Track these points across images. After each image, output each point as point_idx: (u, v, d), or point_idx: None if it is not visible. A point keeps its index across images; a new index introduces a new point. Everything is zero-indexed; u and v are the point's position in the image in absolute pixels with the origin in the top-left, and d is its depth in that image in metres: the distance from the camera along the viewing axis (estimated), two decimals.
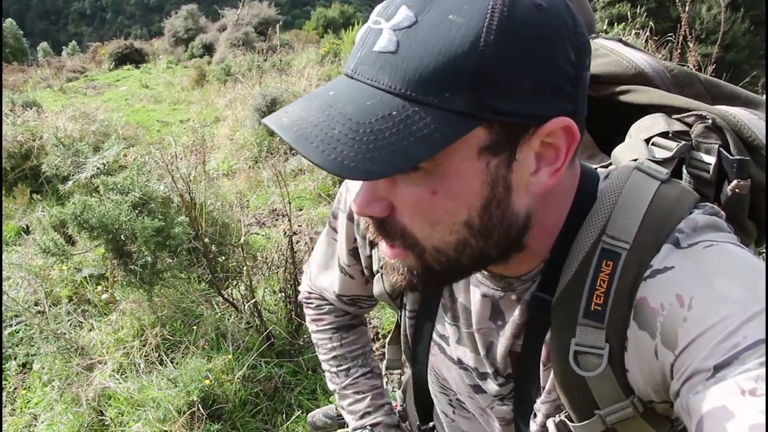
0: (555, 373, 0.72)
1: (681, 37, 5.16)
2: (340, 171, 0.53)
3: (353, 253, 1.03)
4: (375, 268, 0.98)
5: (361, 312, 1.20)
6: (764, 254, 2.63)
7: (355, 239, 1.01)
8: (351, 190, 0.99)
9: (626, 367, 0.66)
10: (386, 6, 0.59)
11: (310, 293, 1.20)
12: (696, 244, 0.63)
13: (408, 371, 1.07)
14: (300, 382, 2.82)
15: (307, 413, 2.58)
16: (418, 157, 0.54)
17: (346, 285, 1.09)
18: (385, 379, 1.19)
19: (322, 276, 1.13)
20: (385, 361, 1.12)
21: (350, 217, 0.99)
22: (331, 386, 1.23)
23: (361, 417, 1.17)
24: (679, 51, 5.43)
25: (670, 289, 0.61)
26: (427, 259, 0.65)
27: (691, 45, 5.09)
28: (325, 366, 1.23)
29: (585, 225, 0.68)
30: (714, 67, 5.16)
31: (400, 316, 0.98)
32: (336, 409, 1.34)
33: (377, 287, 0.98)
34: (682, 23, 4.89)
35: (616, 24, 6.87)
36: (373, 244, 0.97)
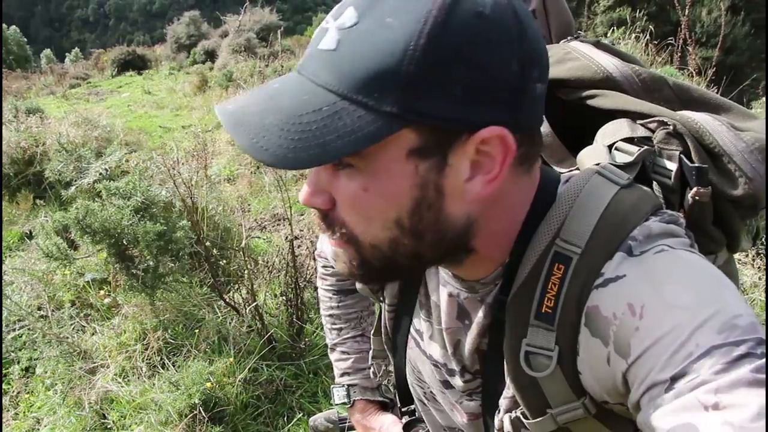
0: (508, 372, 0.73)
1: (681, 41, 5.18)
2: (265, 158, 0.56)
3: None
4: None
5: None
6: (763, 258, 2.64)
7: None
8: None
9: (579, 370, 0.67)
10: (338, 7, 0.61)
11: (321, 251, 1.24)
12: (648, 251, 0.63)
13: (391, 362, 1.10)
14: (301, 385, 2.83)
15: (309, 416, 2.61)
16: (338, 153, 0.56)
17: None
18: (372, 368, 1.22)
19: (325, 243, 1.17)
20: (371, 351, 1.14)
21: None
22: (326, 340, 1.30)
23: (342, 375, 1.25)
24: (679, 54, 5.45)
25: (622, 298, 0.61)
26: (365, 254, 0.67)
27: (691, 48, 5.11)
28: (323, 320, 1.30)
29: (540, 228, 0.68)
30: (714, 70, 5.18)
31: (381, 308, 1.00)
32: (338, 413, 1.37)
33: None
34: (683, 27, 4.91)
35: (616, 28, 6.89)
36: None
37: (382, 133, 0.57)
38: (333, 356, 1.28)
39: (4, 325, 3.29)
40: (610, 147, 0.76)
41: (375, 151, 0.58)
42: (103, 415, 2.71)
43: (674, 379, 0.55)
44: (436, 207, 0.63)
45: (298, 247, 3.93)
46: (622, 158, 0.74)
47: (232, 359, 2.78)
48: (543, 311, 0.67)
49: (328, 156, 0.56)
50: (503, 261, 0.73)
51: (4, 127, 5.93)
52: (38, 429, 2.76)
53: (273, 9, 17.98)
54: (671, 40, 5.61)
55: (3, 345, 3.19)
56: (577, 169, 0.80)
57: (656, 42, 5.92)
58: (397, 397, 1.15)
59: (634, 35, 6.15)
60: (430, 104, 0.57)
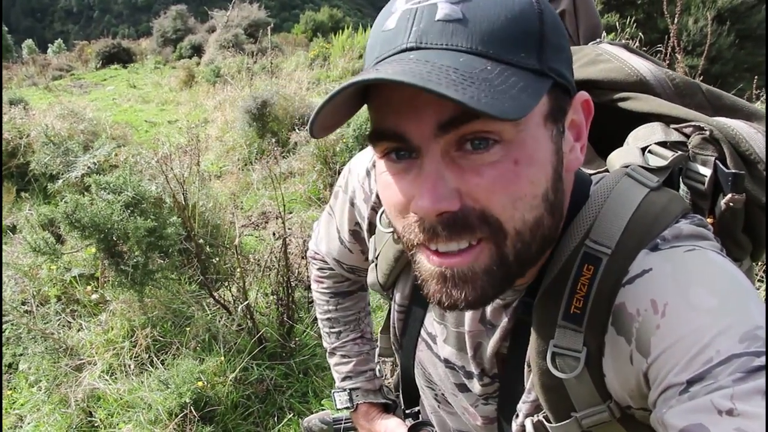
0: (534, 373, 0.72)
1: (670, 49, 5.22)
2: (483, 108, 0.50)
3: (354, 233, 1.05)
4: (371, 256, 0.99)
5: (360, 279, 1.22)
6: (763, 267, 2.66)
7: (356, 222, 1.03)
8: (353, 171, 1.02)
9: (603, 372, 0.67)
10: None
11: (315, 253, 1.23)
12: (678, 247, 0.63)
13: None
14: (291, 385, 2.81)
15: (299, 416, 2.59)
16: (529, 104, 0.53)
17: (345, 256, 1.12)
18: (378, 366, 1.21)
19: (323, 242, 1.16)
20: (377, 349, 1.13)
21: (351, 202, 1.02)
22: (324, 344, 1.28)
23: (343, 379, 1.24)
24: (667, 62, 5.50)
25: (646, 294, 0.61)
26: (506, 247, 0.61)
27: (679, 56, 5.15)
28: (320, 324, 1.28)
29: (570, 228, 0.68)
30: (701, 79, 5.23)
31: (391, 307, 1.00)
32: (332, 414, 1.35)
33: (371, 276, 0.99)
34: (671, 35, 4.95)
35: (605, 34, 6.93)
36: (372, 233, 0.98)
37: (543, 89, 0.57)
38: (332, 360, 1.26)
39: None
40: (643, 150, 0.77)
41: (525, 119, 0.56)
42: (90, 413, 2.67)
43: (691, 383, 0.55)
44: (561, 177, 0.64)
45: (288, 245, 3.91)
46: (655, 161, 0.74)
47: (222, 358, 2.75)
48: (571, 312, 0.66)
49: (528, 108, 0.53)
50: (540, 266, 0.72)
51: None
52: (21, 426, 2.71)
53: (261, 5, 17.83)
54: (660, 47, 5.65)
55: None
56: (606, 170, 0.80)
57: (645, 49, 5.96)
58: (401, 398, 1.14)
59: (623, 41, 6.18)
60: (558, 64, 0.59)
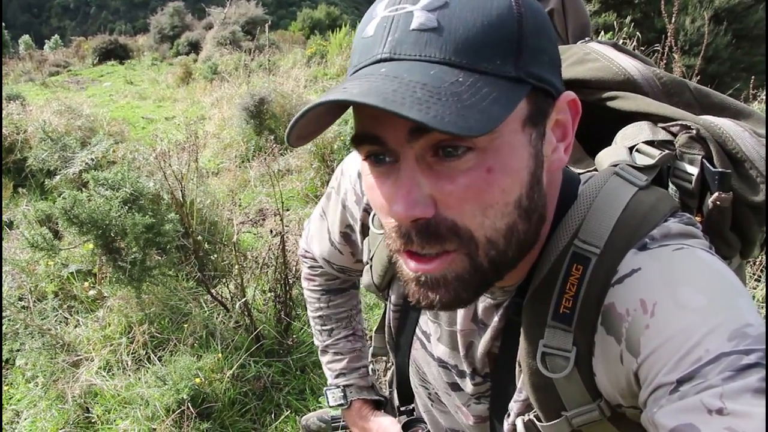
0: (524, 373, 0.73)
1: (667, 48, 5.23)
2: (445, 127, 0.50)
3: (345, 236, 1.06)
4: (365, 258, 0.99)
5: (351, 278, 1.23)
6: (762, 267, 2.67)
7: (348, 225, 1.03)
8: (345, 173, 1.02)
9: (594, 371, 0.67)
10: None
11: (306, 252, 1.23)
12: (666, 246, 0.63)
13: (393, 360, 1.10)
14: (289, 382, 2.81)
15: (296, 413, 2.59)
16: (499, 117, 0.53)
17: (336, 257, 1.12)
18: (372, 365, 1.22)
19: (314, 242, 1.16)
20: (371, 348, 1.14)
21: (343, 204, 1.02)
22: (315, 342, 1.28)
23: (336, 377, 1.24)
24: (664, 62, 5.51)
25: (635, 294, 0.61)
26: (479, 256, 0.61)
27: (676, 56, 5.17)
28: (311, 322, 1.28)
29: (559, 228, 0.69)
30: (698, 78, 5.24)
31: (386, 307, 1.00)
32: (330, 413, 1.36)
33: (365, 278, 0.99)
34: (668, 34, 4.96)
35: (603, 33, 6.94)
36: (365, 234, 0.99)
37: (518, 97, 0.56)
38: (325, 358, 1.27)
39: None
40: (630, 149, 0.77)
41: (500, 126, 0.54)
42: (87, 409, 2.66)
43: (680, 382, 0.55)
44: (540, 181, 0.64)
45: (286, 242, 3.90)
46: (642, 160, 0.74)
47: (219, 355, 2.75)
48: (561, 312, 0.67)
49: (496, 122, 0.52)
50: (529, 266, 0.72)
51: None
52: (18, 422, 2.70)
53: (258, 3, 17.78)
54: (657, 46, 5.66)
55: None
56: (595, 169, 0.80)
57: (642, 48, 5.97)
58: (396, 396, 1.15)
59: (620, 41, 6.19)
60: (538, 68, 0.59)
